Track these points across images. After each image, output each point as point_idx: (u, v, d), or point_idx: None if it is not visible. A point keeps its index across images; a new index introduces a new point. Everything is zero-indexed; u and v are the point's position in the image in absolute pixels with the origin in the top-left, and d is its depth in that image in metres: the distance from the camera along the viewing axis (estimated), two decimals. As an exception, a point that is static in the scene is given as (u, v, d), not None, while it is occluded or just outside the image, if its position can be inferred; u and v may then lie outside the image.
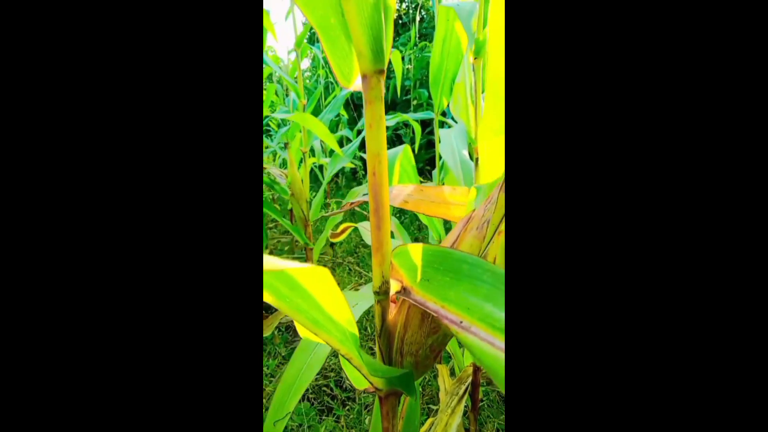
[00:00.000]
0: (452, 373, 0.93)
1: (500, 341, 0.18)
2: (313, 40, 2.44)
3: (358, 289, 1.31)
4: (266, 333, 1.03)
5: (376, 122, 0.25)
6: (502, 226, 0.34)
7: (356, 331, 0.24)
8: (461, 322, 0.21)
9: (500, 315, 0.19)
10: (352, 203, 0.52)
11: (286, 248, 1.82)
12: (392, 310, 0.31)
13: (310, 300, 0.21)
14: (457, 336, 0.20)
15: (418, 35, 2.57)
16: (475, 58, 0.54)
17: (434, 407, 0.94)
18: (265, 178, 1.03)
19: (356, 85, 0.27)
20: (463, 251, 0.29)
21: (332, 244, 1.64)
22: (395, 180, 0.61)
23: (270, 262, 0.15)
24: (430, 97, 2.43)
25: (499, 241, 0.45)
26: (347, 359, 0.27)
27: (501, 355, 0.17)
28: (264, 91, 1.69)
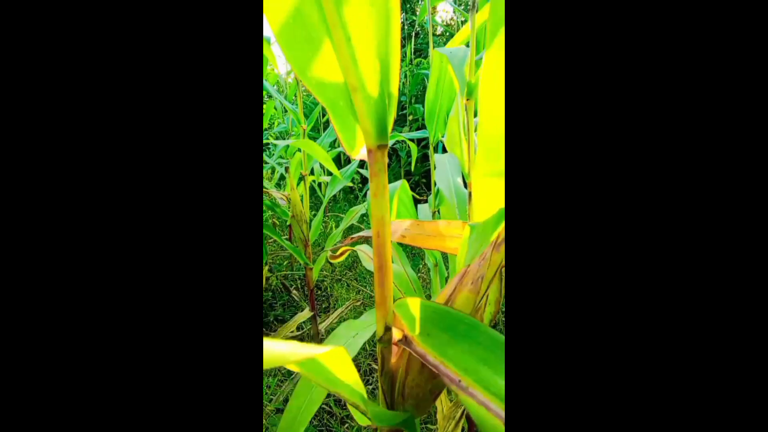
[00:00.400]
0: (449, 392, 0.95)
1: (495, 405, 0.20)
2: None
3: (361, 311, 1.33)
4: (266, 353, 1.04)
5: (381, 191, 0.28)
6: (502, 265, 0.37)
7: (364, 392, 0.27)
8: (459, 381, 0.23)
9: (495, 379, 0.21)
10: (352, 238, 0.54)
11: (285, 263, 1.84)
12: (394, 355, 0.34)
13: (323, 368, 0.23)
14: (457, 394, 0.22)
15: (413, 51, 2.62)
16: (467, 99, 0.57)
17: (432, 427, 0.96)
18: (266, 200, 1.06)
19: (361, 154, 0.29)
20: (460, 304, 0.32)
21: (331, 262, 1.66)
22: (394, 212, 0.64)
23: (290, 351, 0.17)
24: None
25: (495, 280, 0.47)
26: (354, 406, 0.29)
27: (495, 421, 0.19)
28: (263, 105, 1.71)
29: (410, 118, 2.50)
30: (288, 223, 1.32)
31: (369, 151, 0.27)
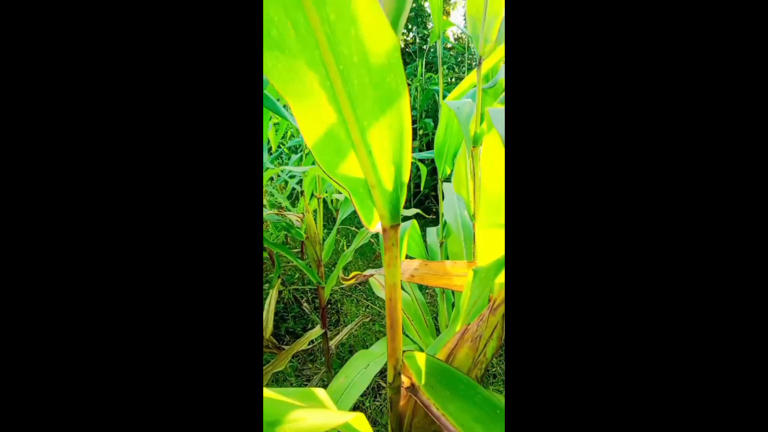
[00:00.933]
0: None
1: (485, 462, 0.24)
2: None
3: (369, 327, 1.35)
4: (281, 367, 1.09)
5: (393, 263, 0.33)
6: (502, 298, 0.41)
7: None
8: (457, 434, 0.27)
9: (486, 437, 0.26)
10: (365, 275, 0.59)
11: (296, 275, 1.89)
12: (403, 398, 0.38)
13: (347, 425, 0.28)
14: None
15: (424, 66, 2.68)
16: (473, 147, 0.62)
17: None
18: (282, 221, 1.11)
19: (377, 228, 0.34)
20: (460, 358, 0.36)
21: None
22: (404, 249, 0.69)
23: (324, 422, 0.21)
24: (435, 127, 2.52)
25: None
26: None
27: (484, 476, 0.24)
28: (280, 119, 1.77)
29: (420, 132, 2.55)
30: (301, 241, 1.38)
31: (384, 230, 0.32)
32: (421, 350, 0.75)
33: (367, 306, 1.55)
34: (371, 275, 0.59)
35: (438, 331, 0.87)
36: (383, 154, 0.27)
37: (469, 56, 2.90)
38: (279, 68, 0.21)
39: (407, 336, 0.74)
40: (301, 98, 0.23)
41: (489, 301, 0.47)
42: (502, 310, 0.35)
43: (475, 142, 0.62)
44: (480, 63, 0.62)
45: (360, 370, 0.57)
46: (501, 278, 0.46)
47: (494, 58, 0.72)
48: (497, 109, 0.29)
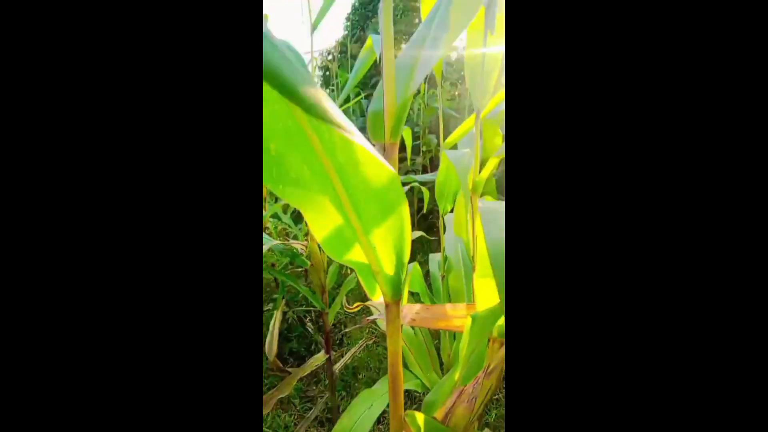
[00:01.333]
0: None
1: None
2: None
3: (372, 349, 1.37)
4: (285, 393, 1.12)
5: (395, 332, 0.35)
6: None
7: None
8: (453, 501, 0.30)
9: (478, 508, 0.28)
10: (368, 319, 0.62)
11: (299, 295, 1.92)
12: (405, 452, 0.41)
13: None
14: None
15: (426, 82, 2.73)
16: (472, 193, 0.65)
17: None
18: (288, 251, 1.14)
19: (380, 300, 0.37)
20: (458, 416, 0.39)
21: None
22: (407, 286, 0.72)
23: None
24: (438, 144, 2.56)
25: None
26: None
27: None
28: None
29: (424, 149, 2.59)
30: (305, 268, 1.41)
31: (386, 305, 0.35)
32: (425, 386, 0.77)
33: (371, 330, 1.57)
34: (375, 319, 0.62)
35: (441, 364, 0.89)
36: (385, 248, 0.31)
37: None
38: (295, 195, 0.24)
39: (410, 371, 0.77)
40: (313, 211, 0.27)
41: (489, 341, 0.49)
42: (496, 373, 0.38)
43: (475, 189, 0.65)
44: (479, 114, 0.65)
45: (363, 411, 0.59)
46: (501, 321, 0.49)
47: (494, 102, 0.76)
48: (492, 204, 0.32)
